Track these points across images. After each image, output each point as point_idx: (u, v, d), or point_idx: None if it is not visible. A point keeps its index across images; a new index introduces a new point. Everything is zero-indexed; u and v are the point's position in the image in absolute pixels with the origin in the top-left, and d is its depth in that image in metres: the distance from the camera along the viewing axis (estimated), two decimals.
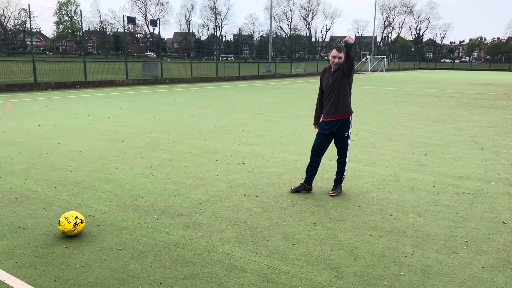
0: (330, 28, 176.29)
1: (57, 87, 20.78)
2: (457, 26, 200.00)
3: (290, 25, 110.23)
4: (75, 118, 11.07)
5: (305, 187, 5.23)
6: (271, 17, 44.86)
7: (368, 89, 24.32)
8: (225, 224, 4.23)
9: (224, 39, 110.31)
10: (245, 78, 32.77)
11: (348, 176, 5.92)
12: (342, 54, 4.80)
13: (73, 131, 9.10)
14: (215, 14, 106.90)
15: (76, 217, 3.81)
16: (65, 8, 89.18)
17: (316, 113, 5.30)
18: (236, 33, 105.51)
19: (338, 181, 5.25)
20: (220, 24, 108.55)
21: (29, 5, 26.21)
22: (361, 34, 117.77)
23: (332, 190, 5.21)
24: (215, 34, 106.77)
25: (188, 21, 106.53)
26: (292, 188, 5.27)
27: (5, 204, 4.66)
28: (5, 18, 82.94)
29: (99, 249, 3.63)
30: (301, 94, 20.04)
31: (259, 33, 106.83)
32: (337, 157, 5.24)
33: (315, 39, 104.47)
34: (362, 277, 3.26)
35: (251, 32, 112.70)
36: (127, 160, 6.74)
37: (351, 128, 5.12)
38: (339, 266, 3.41)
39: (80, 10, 31.82)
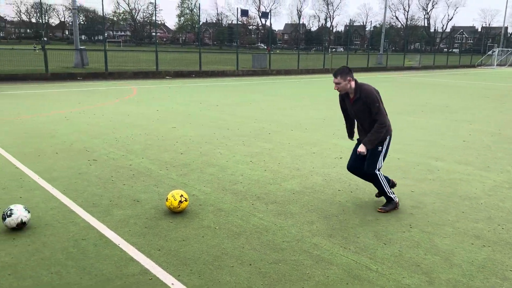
0: (452, 17, 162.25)
1: (175, 76, 22.58)
2: None
3: (407, 15, 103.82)
4: (189, 105, 11.97)
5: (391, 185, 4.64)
6: (385, 6, 42.82)
7: (490, 85, 21.99)
8: (316, 216, 4.29)
9: (334, 30, 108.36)
10: (353, 70, 31.92)
11: (453, 179, 5.54)
12: (338, 79, 4.20)
13: (185, 117, 9.88)
14: (327, 4, 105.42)
15: (182, 195, 4.21)
16: (186, 1, 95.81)
17: (347, 128, 4.79)
18: (347, 24, 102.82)
19: (388, 198, 4.47)
20: (331, 14, 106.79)
21: None
22: (489, 25, 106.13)
23: (383, 205, 4.49)
24: (326, 25, 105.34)
25: (299, 12, 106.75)
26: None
27: (125, 178, 5.31)
28: (136, 11, 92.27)
29: (199, 227, 3.97)
30: (413, 88, 18.92)
31: (371, 23, 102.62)
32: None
33: (434, 29, 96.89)
34: (456, 285, 3.08)
35: (363, 22, 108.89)
36: (231, 147, 7.15)
37: (386, 142, 4.36)
38: (431, 272, 3.26)
39: (199, 4, 34.00)
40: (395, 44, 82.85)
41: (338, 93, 4.48)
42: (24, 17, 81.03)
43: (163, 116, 9.94)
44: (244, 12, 31.18)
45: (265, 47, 73.73)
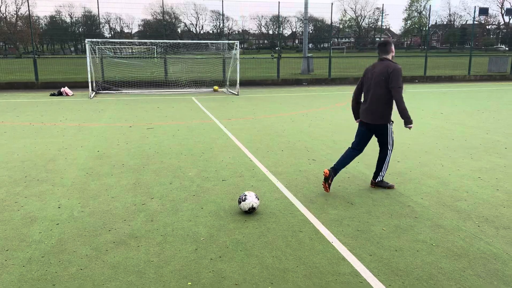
0: None
1: None
2: None
3: None
4: (411, 112, 11.41)
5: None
6: None
7: None
8: None
9: None
10: None
11: None
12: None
13: (403, 124, 9.46)
14: None
15: None
16: (415, 3, 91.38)
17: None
18: None
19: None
20: None
21: (383, 4, 28.47)
22: None
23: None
24: None
25: None
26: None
27: (340, 180, 5.49)
28: (361, 18, 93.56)
29: (413, 240, 3.78)
30: None
31: None
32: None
33: None
34: None
35: None
36: (455, 159, 6.50)
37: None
38: None
39: (430, 5, 31.96)
40: None
41: None
42: (264, 30, 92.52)
43: None
44: (483, 11, 27.74)
45: (506, 48, 63.78)
